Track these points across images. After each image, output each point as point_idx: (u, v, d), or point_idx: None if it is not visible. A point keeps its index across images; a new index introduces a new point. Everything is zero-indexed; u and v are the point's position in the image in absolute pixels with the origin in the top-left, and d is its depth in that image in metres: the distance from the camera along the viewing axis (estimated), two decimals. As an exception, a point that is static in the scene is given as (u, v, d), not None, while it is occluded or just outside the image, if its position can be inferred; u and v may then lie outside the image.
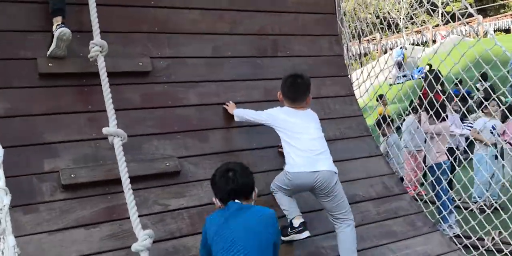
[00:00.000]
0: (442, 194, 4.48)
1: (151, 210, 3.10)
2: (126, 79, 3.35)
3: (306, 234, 3.17)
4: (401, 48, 17.67)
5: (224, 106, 3.63)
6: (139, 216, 2.61)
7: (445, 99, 4.72)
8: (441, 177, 4.57)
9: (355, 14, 5.39)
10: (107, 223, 2.94)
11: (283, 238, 3.21)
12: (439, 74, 5.42)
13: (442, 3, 32.91)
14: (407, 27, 25.44)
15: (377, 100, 6.02)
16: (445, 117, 5.08)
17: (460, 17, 4.38)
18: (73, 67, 3.21)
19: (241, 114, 3.48)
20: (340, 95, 4.19)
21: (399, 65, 15.34)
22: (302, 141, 3.16)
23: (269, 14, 4.01)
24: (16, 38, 3.11)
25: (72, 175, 2.94)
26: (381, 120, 5.85)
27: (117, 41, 3.31)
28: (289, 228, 3.22)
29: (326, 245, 3.42)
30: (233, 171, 2.64)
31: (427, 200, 4.37)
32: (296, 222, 3.19)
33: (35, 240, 2.76)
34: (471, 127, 7.10)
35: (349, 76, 4.43)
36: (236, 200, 2.60)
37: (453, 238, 3.96)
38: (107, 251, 2.85)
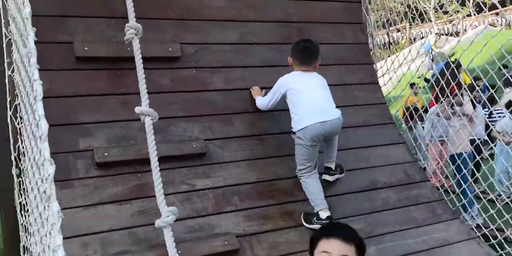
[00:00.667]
0: (463, 183, 4.55)
1: (178, 189, 3.25)
2: (157, 64, 3.48)
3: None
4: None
5: (250, 89, 3.76)
6: (166, 194, 2.74)
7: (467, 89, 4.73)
8: (462, 167, 4.62)
9: (383, 3, 5.39)
10: (137, 200, 3.10)
11: (305, 225, 3.36)
12: (460, 64, 5.39)
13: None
14: (437, 17, 25.06)
15: (411, 87, 5.96)
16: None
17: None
18: (107, 51, 3.37)
19: (261, 99, 3.66)
20: (364, 83, 4.26)
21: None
22: (309, 97, 3.39)
23: (295, 2, 4.11)
24: (55, 23, 3.28)
25: (105, 154, 3.11)
26: (412, 111, 5.59)
27: (148, 27, 3.41)
28: (315, 218, 3.34)
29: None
30: None
31: (448, 190, 4.43)
32: (323, 215, 3.32)
33: (70, 214, 2.93)
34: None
35: (373, 64, 4.49)
36: None
37: (474, 228, 4.02)
38: (136, 226, 3.01)
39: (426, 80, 7.08)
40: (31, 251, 2.95)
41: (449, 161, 5.46)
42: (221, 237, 3.10)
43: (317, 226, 3.26)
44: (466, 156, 5.10)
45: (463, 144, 4.97)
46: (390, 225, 3.62)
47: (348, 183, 3.72)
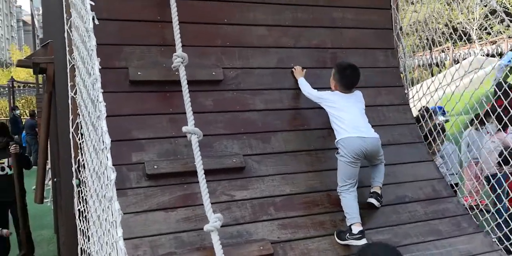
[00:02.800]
0: (497, 202, 4.61)
1: (219, 199, 3.58)
2: (201, 86, 3.86)
3: (363, 241, 3.46)
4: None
5: (292, 69, 4.17)
6: (209, 203, 3.09)
7: None
8: (496, 187, 4.69)
9: (426, 24, 5.59)
10: (183, 208, 3.45)
11: (339, 241, 3.59)
12: None
13: (519, 12, 31.83)
14: (480, 38, 24.86)
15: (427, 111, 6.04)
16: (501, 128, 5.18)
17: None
18: (157, 76, 3.77)
19: (304, 86, 4.06)
20: (394, 104, 4.53)
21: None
22: (349, 116, 3.76)
23: (329, 30, 4.42)
24: (113, 51, 3.71)
25: (155, 166, 3.49)
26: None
27: (194, 54, 3.79)
28: (348, 234, 3.54)
29: (374, 239, 3.77)
30: None
31: (483, 209, 4.51)
32: (356, 229, 3.52)
33: (124, 219, 3.24)
34: None
35: (403, 86, 4.75)
36: None
37: (497, 241, 4.14)
38: (181, 231, 3.34)
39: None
40: (88, 253, 3.32)
41: (484, 181, 5.55)
42: (257, 243, 3.39)
43: (351, 242, 3.50)
44: (500, 177, 5.20)
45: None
46: (416, 236, 3.82)
47: (378, 197, 3.96)
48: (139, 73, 3.70)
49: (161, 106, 3.74)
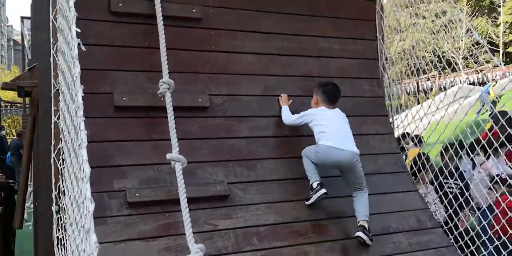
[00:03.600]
0: (482, 235, 4.50)
1: (202, 228, 3.51)
2: (187, 112, 3.84)
3: (323, 190, 3.76)
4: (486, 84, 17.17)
5: (279, 97, 4.20)
6: (191, 233, 3.04)
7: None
8: (482, 219, 4.58)
9: (414, 52, 5.65)
10: (164, 237, 3.37)
11: (306, 203, 3.87)
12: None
13: (504, 44, 32.53)
14: (467, 66, 25.28)
15: (412, 141, 6.05)
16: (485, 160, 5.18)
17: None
18: (142, 101, 3.74)
19: (284, 111, 4.13)
20: (379, 133, 4.54)
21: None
22: (333, 128, 3.86)
23: (316, 59, 4.45)
24: (98, 76, 3.68)
25: (136, 194, 3.44)
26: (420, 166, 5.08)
27: (180, 80, 3.77)
28: (310, 191, 3.84)
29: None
30: None
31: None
32: (315, 183, 3.82)
33: (102, 248, 3.16)
34: None
35: (388, 116, 4.77)
36: None
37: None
38: (162, 262, 3.29)
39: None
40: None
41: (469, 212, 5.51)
42: (240, 274, 3.34)
43: (314, 195, 3.80)
44: (486, 209, 5.14)
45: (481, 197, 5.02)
46: (400, 268, 3.79)
47: (362, 227, 3.92)
48: (124, 98, 3.67)
49: (145, 132, 3.70)
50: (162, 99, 3.54)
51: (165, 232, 3.41)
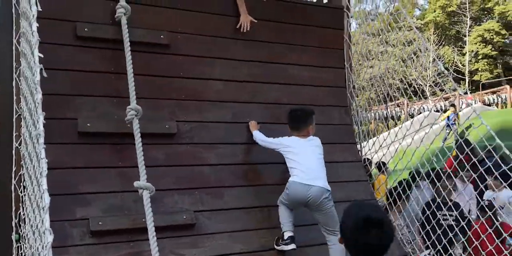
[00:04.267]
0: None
1: (167, 258, 3.44)
2: (154, 139, 3.78)
3: (292, 246, 3.69)
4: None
5: (249, 124, 4.18)
6: (156, 262, 2.96)
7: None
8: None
9: (382, 80, 5.73)
10: (128, 268, 3.29)
11: (275, 247, 3.81)
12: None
13: (470, 72, 33.46)
14: (434, 93, 25.85)
15: (379, 169, 6.05)
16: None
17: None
18: (108, 127, 3.67)
19: (258, 136, 4.06)
20: (348, 161, 4.55)
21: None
22: (303, 161, 3.78)
23: (285, 86, 4.48)
24: (63, 101, 3.61)
25: (100, 223, 3.34)
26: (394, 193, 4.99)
27: (148, 106, 3.71)
28: (280, 239, 3.77)
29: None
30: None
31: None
32: (286, 235, 3.73)
33: (63, 279, 3.11)
34: None
35: (356, 143, 4.80)
36: None
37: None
38: (125, 293, 3.18)
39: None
40: None
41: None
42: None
43: (283, 247, 3.72)
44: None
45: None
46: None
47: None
48: (88, 124, 3.60)
49: (110, 159, 3.63)
50: (129, 125, 3.49)
51: (129, 263, 3.31)
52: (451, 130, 15.49)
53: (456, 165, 4.23)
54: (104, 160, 3.61)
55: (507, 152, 3.64)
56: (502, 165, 3.68)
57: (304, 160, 3.80)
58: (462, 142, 4.54)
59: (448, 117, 16.10)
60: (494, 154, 3.72)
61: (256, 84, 4.38)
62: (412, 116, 23.56)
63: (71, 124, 3.60)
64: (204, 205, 3.81)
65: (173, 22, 4.09)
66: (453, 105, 18.13)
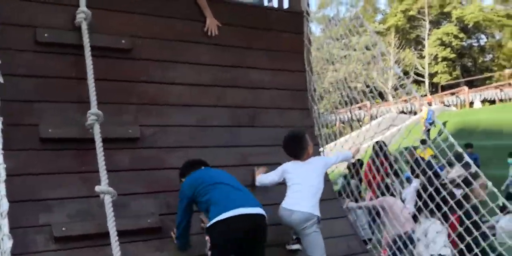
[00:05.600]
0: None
1: (133, 262, 3.45)
2: (117, 144, 3.78)
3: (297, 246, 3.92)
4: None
5: (255, 168, 4.16)
6: (121, 267, 2.97)
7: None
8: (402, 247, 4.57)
9: (346, 83, 5.86)
10: (93, 273, 3.28)
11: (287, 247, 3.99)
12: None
13: (430, 75, 34.30)
14: (395, 96, 26.39)
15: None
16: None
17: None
18: (70, 133, 3.65)
19: (261, 180, 4.08)
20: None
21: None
22: (293, 186, 3.85)
23: (247, 90, 4.54)
24: (23, 107, 3.58)
25: (63, 229, 3.32)
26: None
27: (110, 111, 3.70)
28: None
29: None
30: None
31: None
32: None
33: (26, 287, 3.09)
34: None
35: (319, 145, 4.90)
36: None
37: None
38: (91, 299, 3.17)
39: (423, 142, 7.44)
40: None
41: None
42: None
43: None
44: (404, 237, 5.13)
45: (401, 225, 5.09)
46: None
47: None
48: (50, 130, 3.58)
49: (73, 164, 3.62)
50: (91, 130, 3.49)
51: (94, 267, 3.31)
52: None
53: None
54: (67, 165, 3.59)
55: (460, 149, 3.81)
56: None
57: (295, 184, 3.86)
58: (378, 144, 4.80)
59: (427, 117, 16.31)
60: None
61: (219, 88, 4.42)
62: (375, 118, 24.02)
63: (32, 130, 3.56)
64: (170, 208, 3.82)
65: (135, 27, 4.10)
66: (429, 104, 18.49)
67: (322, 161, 4.09)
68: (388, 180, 4.98)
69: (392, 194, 5.20)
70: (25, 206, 3.34)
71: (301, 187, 3.82)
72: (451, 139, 3.94)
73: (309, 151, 3.98)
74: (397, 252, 4.47)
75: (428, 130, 15.69)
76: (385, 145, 5.27)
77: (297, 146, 3.97)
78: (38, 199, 3.42)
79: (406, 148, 4.78)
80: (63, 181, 3.54)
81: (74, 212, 3.49)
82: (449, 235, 4.42)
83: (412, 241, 4.56)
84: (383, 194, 5.12)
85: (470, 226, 3.89)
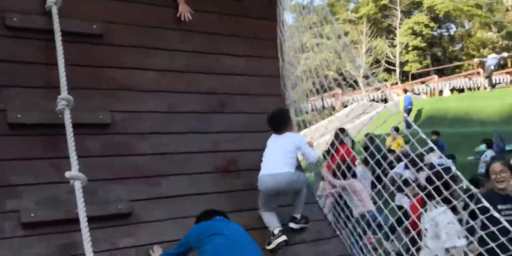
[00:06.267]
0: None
1: (102, 247, 3.43)
2: (87, 130, 3.75)
3: (283, 238, 3.93)
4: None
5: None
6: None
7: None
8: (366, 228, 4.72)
9: (318, 71, 5.89)
10: (62, 259, 3.28)
11: (267, 247, 3.95)
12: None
13: (401, 63, 34.68)
14: (367, 84, 26.63)
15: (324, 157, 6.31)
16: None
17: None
18: (39, 119, 3.60)
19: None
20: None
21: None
22: (270, 156, 4.10)
23: (220, 76, 4.54)
24: (-11, 92, 3.52)
25: (32, 214, 3.30)
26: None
27: (80, 96, 3.64)
28: (271, 237, 3.97)
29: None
30: None
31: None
32: (276, 231, 3.98)
33: (-5, 273, 3.07)
34: None
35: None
36: None
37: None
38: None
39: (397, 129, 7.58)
40: None
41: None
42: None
43: (275, 241, 3.93)
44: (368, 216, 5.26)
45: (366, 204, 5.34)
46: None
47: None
48: (18, 115, 3.53)
49: (42, 150, 3.58)
50: (61, 116, 3.45)
51: (63, 254, 3.31)
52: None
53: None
54: (36, 151, 3.56)
55: (424, 136, 3.92)
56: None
57: (270, 153, 4.12)
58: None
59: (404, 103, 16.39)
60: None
61: (191, 74, 4.41)
62: (346, 106, 24.25)
63: (0, 115, 3.51)
64: (141, 194, 3.83)
65: (106, 12, 4.04)
66: (405, 90, 18.64)
67: (297, 137, 4.28)
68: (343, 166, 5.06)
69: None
70: (-7, 192, 3.31)
71: (274, 153, 4.08)
72: (415, 126, 4.07)
73: (289, 128, 4.25)
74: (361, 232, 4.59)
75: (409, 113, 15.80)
76: (343, 132, 5.47)
77: (277, 121, 4.23)
78: (6, 185, 3.38)
79: (366, 135, 4.91)
80: (32, 167, 3.51)
81: (43, 198, 3.47)
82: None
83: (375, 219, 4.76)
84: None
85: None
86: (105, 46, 4.02)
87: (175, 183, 4.04)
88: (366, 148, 6.55)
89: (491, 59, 19.26)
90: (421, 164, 4.12)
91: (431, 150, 6.10)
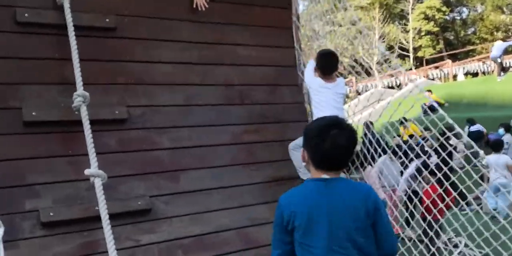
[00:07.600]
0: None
1: (124, 245, 3.39)
2: (105, 126, 3.68)
3: None
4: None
5: None
6: (111, 251, 2.92)
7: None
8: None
9: None
10: (83, 257, 3.23)
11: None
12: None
13: (414, 49, 34.27)
14: (380, 71, 26.37)
15: None
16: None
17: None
18: (54, 116, 3.53)
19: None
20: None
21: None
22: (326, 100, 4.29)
23: (235, 67, 4.43)
24: (6, 90, 3.45)
25: (51, 214, 3.25)
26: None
27: (96, 92, 3.60)
28: None
29: None
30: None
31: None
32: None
33: (16, 274, 3.02)
34: None
35: (309, 121, 4.84)
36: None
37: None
38: (81, 284, 3.13)
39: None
40: None
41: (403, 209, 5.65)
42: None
43: None
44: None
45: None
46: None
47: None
48: (33, 113, 3.46)
49: (59, 148, 3.51)
50: (77, 112, 3.39)
51: (83, 252, 3.27)
52: None
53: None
54: (52, 149, 3.49)
55: (451, 121, 3.81)
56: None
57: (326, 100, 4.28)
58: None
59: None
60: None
61: (207, 66, 4.30)
62: (359, 93, 24.04)
63: (15, 113, 3.44)
64: (160, 190, 3.77)
65: (119, 5, 3.94)
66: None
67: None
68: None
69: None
70: (11, 191, 3.27)
71: (331, 100, 4.27)
72: (441, 111, 3.97)
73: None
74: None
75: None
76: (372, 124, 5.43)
77: (335, 61, 4.42)
78: (24, 184, 3.33)
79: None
80: (49, 165, 3.44)
81: (62, 197, 3.41)
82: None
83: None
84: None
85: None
86: (118, 39, 3.93)
87: (195, 177, 3.97)
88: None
89: (496, 50, 18.00)
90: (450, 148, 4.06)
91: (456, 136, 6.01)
